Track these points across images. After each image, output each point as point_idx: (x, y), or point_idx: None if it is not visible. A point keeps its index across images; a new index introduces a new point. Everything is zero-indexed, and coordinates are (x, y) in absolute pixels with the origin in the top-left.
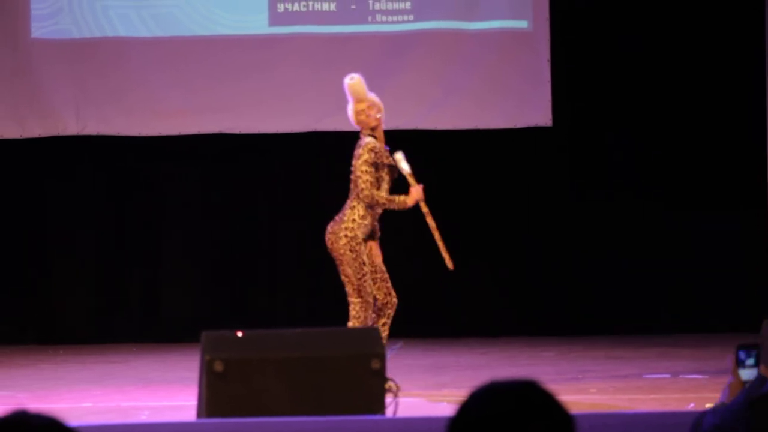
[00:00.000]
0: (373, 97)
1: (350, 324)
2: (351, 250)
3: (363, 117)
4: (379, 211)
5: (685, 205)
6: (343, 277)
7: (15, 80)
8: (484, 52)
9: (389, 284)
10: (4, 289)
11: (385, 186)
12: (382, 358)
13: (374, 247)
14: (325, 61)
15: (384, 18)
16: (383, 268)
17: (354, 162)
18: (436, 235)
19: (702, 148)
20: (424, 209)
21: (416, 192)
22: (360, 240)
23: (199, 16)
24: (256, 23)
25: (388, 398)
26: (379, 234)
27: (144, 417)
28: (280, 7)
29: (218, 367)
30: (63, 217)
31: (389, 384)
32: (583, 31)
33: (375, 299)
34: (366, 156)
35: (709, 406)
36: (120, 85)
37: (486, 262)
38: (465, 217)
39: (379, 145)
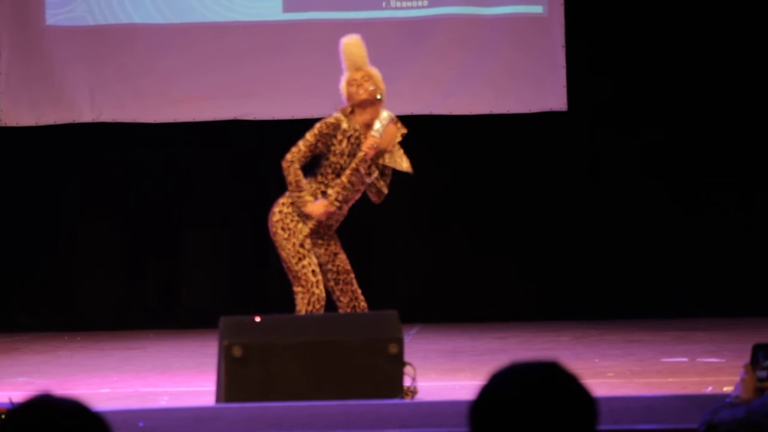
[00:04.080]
0: (372, 68)
1: None
2: (282, 229)
3: (353, 88)
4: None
5: (705, 188)
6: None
7: (30, 68)
8: (499, 37)
9: (354, 287)
10: (23, 277)
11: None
12: (399, 343)
13: (333, 244)
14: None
15: (398, 4)
16: (347, 268)
17: None
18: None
19: (721, 131)
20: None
21: (321, 205)
22: (295, 218)
23: (213, 2)
24: (271, 10)
25: (406, 382)
26: (334, 227)
27: (163, 402)
28: None
29: (237, 352)
30: (81, 205)
31: (407, 368)
32: (597, 16)
33: (339, 302)
34: (316, 128)
35: (727, 389)
36: (135, 73)
37: (502, 246)
38: (481, 202)
39: (348, 126)
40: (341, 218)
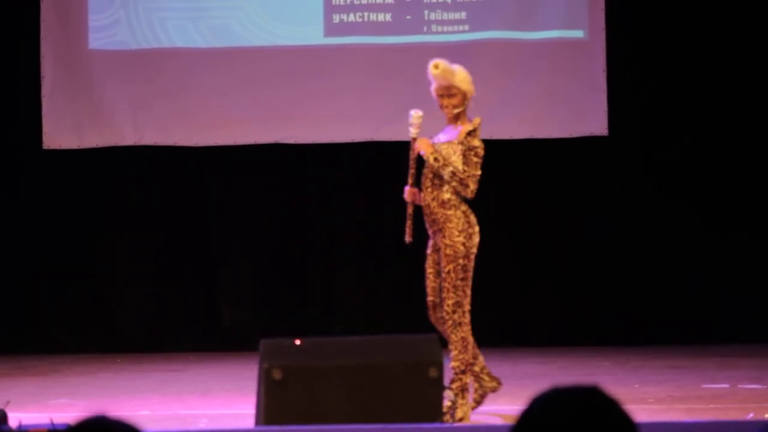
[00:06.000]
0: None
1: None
2: None
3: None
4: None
5: (743, 214)
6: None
7: (72, 91)
8: (540, 61)
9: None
10: (63, 298)
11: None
12: (439, 367)
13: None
14: (382, 71)
15: (439, 28)
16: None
17: None
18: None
19: (762, 158)
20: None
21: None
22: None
23: (255, 27)
24: (312, 34)
25: (445, 406)
26: (435, 239)
27: (203, 425)
28: (336, 18)
29: (276, 374)
30: (121, 226)
31: (446, 392)
32: (638, 41)
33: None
34: None
35: None
36: (177, 96)
37: (543, 271)
38: (521, 227)
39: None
40: (433, 221)
